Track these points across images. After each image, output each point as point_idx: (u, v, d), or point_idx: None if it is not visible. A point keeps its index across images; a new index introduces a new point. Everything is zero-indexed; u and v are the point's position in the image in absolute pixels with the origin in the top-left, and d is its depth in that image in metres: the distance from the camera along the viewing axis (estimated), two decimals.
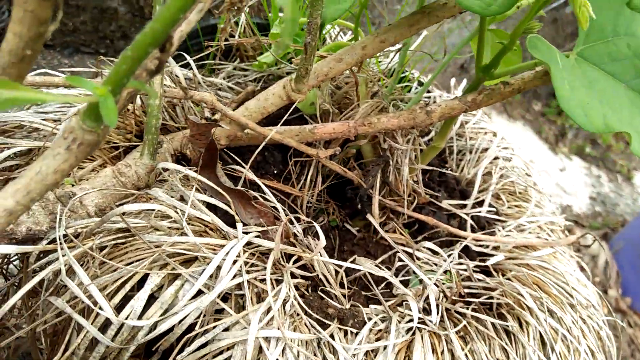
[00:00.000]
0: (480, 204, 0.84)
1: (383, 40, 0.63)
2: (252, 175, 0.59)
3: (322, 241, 0.45)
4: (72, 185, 0.53)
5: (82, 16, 1.51)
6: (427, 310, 0.59)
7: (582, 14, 0.53)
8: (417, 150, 0.73)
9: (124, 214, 0.48)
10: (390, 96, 0.81)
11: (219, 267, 0.44)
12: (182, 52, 0.76)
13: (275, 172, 0.71)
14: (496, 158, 0.92)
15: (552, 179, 2.38)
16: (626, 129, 0.53)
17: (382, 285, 0.64)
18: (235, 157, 0.66)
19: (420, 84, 1.01)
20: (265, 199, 0.60)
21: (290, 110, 0.66)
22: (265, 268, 0.49)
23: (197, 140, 0.54)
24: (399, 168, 0.73)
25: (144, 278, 0.45)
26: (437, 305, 0.59)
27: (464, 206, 0.83)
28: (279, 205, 0.57)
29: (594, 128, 0.52)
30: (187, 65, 0.86)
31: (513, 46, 0.57)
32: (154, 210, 0.47)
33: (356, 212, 0.75)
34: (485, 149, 0.92)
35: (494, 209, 0.82)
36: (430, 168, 0.76)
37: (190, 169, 0.56)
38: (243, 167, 0.61)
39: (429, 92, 0.94)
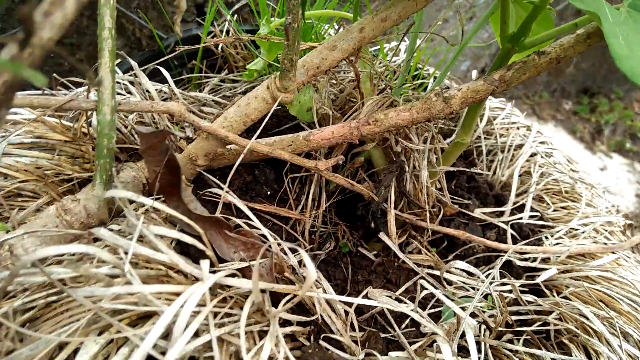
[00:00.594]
0: (520, 209, 0.71)
1: (384, 18, 0.52)
2: (231, 198, 0.48)
3: (312, 273, 0.32)
4: (8, 232, 0.43)
5: (77, 54, 1.45)
6: (466, 350, 0.46)
7: None
8: (438, 150, 0.61)
9: (59, 262, 0.37)
10: (401, 93, 0.69)
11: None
12: (158, 67, 0.66)
13: (268, 193, 0.59)
14: (533, 155, 0.79)
15: (593, 180, 2.20)
16: None
17: (407, 321, 0.51)
18: (216, 180, 0.55)
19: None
20: (252, 227, 0.48)
21: (279, 118, 0.55)
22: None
23: (150, 157, 0.43)
24: (417, 174, 0.60)
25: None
26: (478, 343, 0.46)
27: (501, 214, 0.70)
28: (266, 232, 0.45)
29: None
30: (175, 83, 0.77)
31: (547, 3, 0.45)
32: (93, 254, 0.36)
33: (371, 233, 0.62)
34: (520, 146, 0.79)
35: (537, 214, 0.68)
36: (455, 169, 0.64)
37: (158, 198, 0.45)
38: (222, 188, 0.49)
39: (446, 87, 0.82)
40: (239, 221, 0.48)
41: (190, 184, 0.49)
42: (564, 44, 0.49)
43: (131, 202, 0.48)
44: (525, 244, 0.65)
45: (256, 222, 0.46)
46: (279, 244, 0.45)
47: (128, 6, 1.35)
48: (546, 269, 0.57)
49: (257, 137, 0.61)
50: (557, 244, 0.64)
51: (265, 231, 0.46)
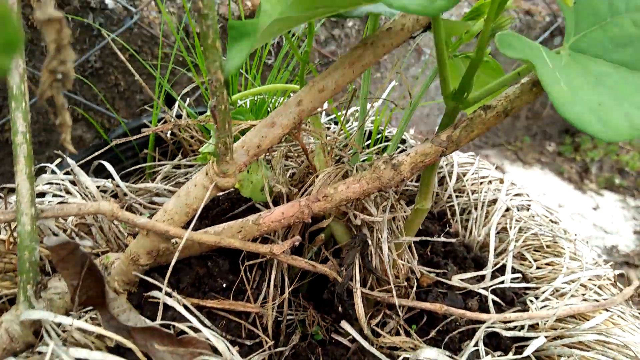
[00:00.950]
0: (501, 270, 0.66)
1: (322, 88, 0.49)
2: (170, 301, 0.43)
3: None
4: None
5: (46, 152, 1.44)
6: None
7: None
8: (400, 219, 0.57)
9: None
10: (365, 159, 0.66)
11: None
12: (103, 162, 0.63)
13: (224, 285, 0.54)
14: (509, 209, 0.75)
15: (588, 221, 2.15)
16: None
17: None
18: (154, 281, 0.50)
19: (403, 141, 0.87)
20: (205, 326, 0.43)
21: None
22: None
23: (66, 270, 0.39)
24: (382, 247, 0.56)
25: None
26: None
27: (482, 278, 0.65)
28: (213, 339, 0.40)
29: (617, 135, 0.36)
30: (127, 175, 0.74)
31: (483, 55, 0.43)
32: None
33: (344, 316, 0.57)
34: (494, 201, 0.75)
35: (519, 275, 0.63)
36: (419, 239, 0.59)
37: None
38: (159, 289, 0.45)
39: (403, 143, 0.79)
40: (182, 326, 0.43)
41: (122, 292, 0.44)
42: (510, 96, 0.46)
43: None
44: (511, 311, 0.60)
45: (196, 324, 0.41)
46: (235, 343, 0.40)
47: (95, 98, 1.36)
48: (535, 338, 0.52)
49: (210, 225, 0.57)
50: (544, 306, 0.59)
51: (210, 336, 0.41)
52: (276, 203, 0.61)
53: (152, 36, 1.25)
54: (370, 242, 0.55)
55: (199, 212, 0.48)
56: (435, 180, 0.70)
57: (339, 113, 0.77)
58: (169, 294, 0.46)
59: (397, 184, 0.48)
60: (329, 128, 0.80)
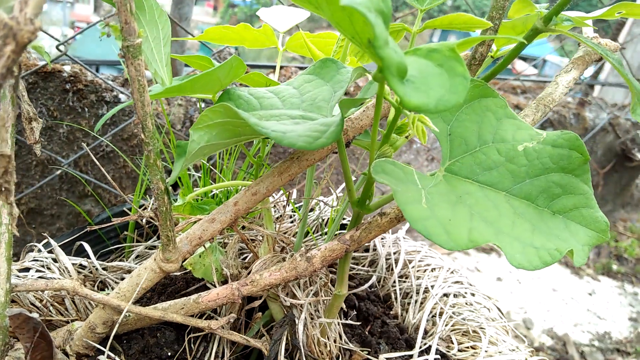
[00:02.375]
0: (429, 351, 0.74)
1: (255, 192, 0.61)
2: None
3: None
4: None
5: (57, 224, 1.57)
6: None
7: (417, 129, 0.50)
8: (323, 302, 0.66)
9: None
10: (299, 247, 0.76)
11: None
12: (83, 243, 0.75)
13: (169, 354, 0.64)
14: (446, 295, 0.83)
15: (582, 306, 2.16)
16: (493, 241, 0.46)
17: None
18: (102, 348, 0.60)
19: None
20: None
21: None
22: None
23: (21, 335, 0.49)
24: (311, 326, 0.65)
25: None
26: None
27: (410, 357, 0.72)
28: None
29: (456, 245, 0.45)
30: (109, 253, 0.85)
31: (372, 178, 0.54)
32: None
33: None
34: (432, 287, 0.83)
35: (439, 357, 0.71)
36: (336, 321, 0.67)
37: None
38: (103, 352, 0.54)
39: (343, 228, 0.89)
40: None
41: (72, 354, 0.54)
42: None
43: None
44: None
45: None
46: None
47: (104, 177, 1.50)
48: None
49: (166, 300, 0.67)
50: None
51: None
52: (225, 283, 0.71)
53: (158, 125, 1.41)
54: (297, 321, 0.64)
55: (145, 289, 0.58)
56: (347, 270, 0.79)
57: (295, 205, 0.88)
58: (112, 359, 0.56)
59: (310, 274, 0.58)
60: (292, 222, 0.90)
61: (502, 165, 0.54)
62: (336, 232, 0.90)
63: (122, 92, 1.40)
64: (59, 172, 1.37)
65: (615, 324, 2.09)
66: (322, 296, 0.66)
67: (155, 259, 0.59)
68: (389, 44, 0.34)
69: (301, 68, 1.97)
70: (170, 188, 0.54)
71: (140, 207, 0.85)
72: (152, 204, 0.53)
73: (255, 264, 0.65)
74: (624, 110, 2.74)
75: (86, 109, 1.38)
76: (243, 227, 0.76)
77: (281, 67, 1.89)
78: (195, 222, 0.66)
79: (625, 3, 0.62)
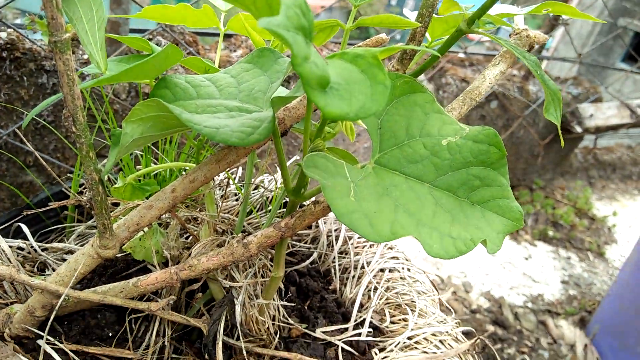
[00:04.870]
0: (363, 324, 0.78)
1: (192, 180, 0.62)
2: (48, 348, 0.54)
3: None
4: None
5: None
6: None
7: (346, 128, 0.53)
8: (261, 284, 0.69)
9: None
10: (240, 230, 0.78)
11: None
12: (20, 224, 0.74)
13: (110, 334, 0.65)
14: (382, 270, 0.88)
15: (518, 270, 2.30)
16: (413, 234, 0.50)
17: None
18: (35, 330, 0.61)
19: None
20: None
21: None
22: None
23: None
24: (250, 305, 0.68)
25: None
26: None
27: (346, 330, 0.77)
28: None
29: (379, 237, 0.48)
30: (49, 232, 0.85)
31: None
32: None
33: None
34: (369, 263, 0.88)
35: (370, 330, 0.76)
36: (273, 302, 0.71)
37: None
38: (41, 337, 0.56)
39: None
40: None
41: (10, 341, 0.55)
42: None
43: None
44: None
45: None
46: None
47: (46, 148, 1.46)
48: None
49: (107, 282, 0.68)
50: (385, 357, 0.71)
51: None
52: (167, 264, 0.73)
53: (101, 94, 1.37)
54: (236, 301, 0.67)
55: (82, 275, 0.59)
56: (284, 254, 0.82)
57: (238, 185, 0.89)
58: (52, 343, 0.57)
59: (247, 259, 0.61)
60: (237, 200, 0.92)
61: (427, 158, 0.57)
62: (278, 211, 0.93)
63: None
64: None
65: (549, 286, 2.23)
66: (260, 277, 0.68)
67: (92, 245, 0.60)
68: (308, 58, 0.36)
69: None
70: (104, 178, 0.54)
71: (80, 185, 0.85)
72: (87, 195, 0.54)
73: (195, 247, 0.67)
74: (565, 83, 2.84)
75: (25, 78, 1.33)
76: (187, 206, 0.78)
77: (231, 36, 1.86)
78: (134, 207, 0.67)
79: (552, 2, 0.66)
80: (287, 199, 0.94)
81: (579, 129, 2.68)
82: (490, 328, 1.82)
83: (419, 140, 0.58)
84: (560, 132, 0.60)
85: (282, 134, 0.66)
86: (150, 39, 1.60)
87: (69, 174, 1.26)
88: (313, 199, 0.61)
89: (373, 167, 0.57)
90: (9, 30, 1.27)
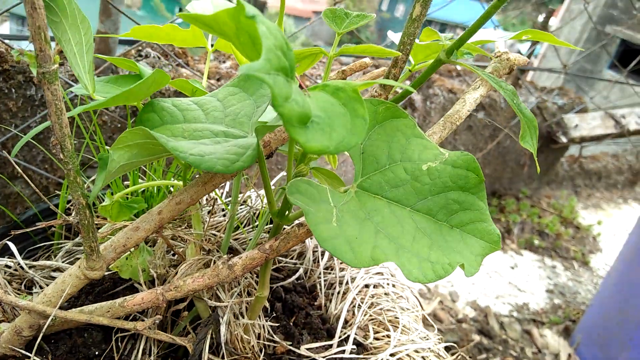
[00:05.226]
0: (347, 340, 0.80)
1: (179, 202, 0.63)
2: None
3: None
4: None
5: None
6: None
7: (328, 156, 0.54)
8: (246, 303, 0.70)
9: None
10: (225, 251, 0.79)
11: None
12: (7, 242, 0.75)
13: (96, 353, 0.66)
14: (367, 286, 0.89)
15: (504, 279, 2.33)
16: (393, 260, 0.51)
17: None
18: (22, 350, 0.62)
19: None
20: None
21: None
22: None
23: None
24: (234, 324, 0.69)
25: None
26: None
27: (330, 347, 0.78)
28: None
29: (360, 263, 0.50)
30: (37, 249, 0.85)
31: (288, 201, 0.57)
32: None
33: None
34: (354, 279, 0.89)
35: (355, 347, 0.77)
36: (260, 323, 0.72)
37: None
38: (29, 357, 0.56)
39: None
40: None
41: None
42: None
43: None
44: None
45: None
46: None
47: (34, 159, 1.47)
48: None
49: (94, 300, 0.69)
50: None
51: None
52: (154, 282, 0.74)
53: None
54: (221, 320, 0.68)
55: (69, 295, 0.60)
56: (269, 274, 0.84)
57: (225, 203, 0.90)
58: None
59: (231, 280, 0.62)
60: (224, 215, 0.93)
61: (408, 182, 0.59)
62: (265, 227, 0.94)
63: None
64: None
65: (534, 295, 2.26)
66: (245, 297, 0.70)
67: (79, 267, 0.61)
68: (289, 98, 0.37)
69: None
70: (90, 203, 0.55)
71: (67, 202, 0.85)
72: (74, 218, 0.55)
73: (181, 266, 0.68)
74: (551, 94, 2.89)
75: (13, 90, 1.33)
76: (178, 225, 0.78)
77: None
78: (120, 228, 0.68)
79: (530, 30, 0.68)
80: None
81: (564, 139, 2.72)
82: (476, 337, 1.84)
83: (400, 165, 0.59)
84: (536, 158, 0.62)
85: (268, 157, 0.68)
86: (139, 50, 1.61)
87: (56, 190, 1.26)
88: (297, 221, 0.63)
89: (355, 191, 0.58)
90: None
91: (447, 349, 0.84)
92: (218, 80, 1.76)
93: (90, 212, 0.56)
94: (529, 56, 3.08)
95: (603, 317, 1.76)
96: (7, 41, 1.25)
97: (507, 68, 0.76)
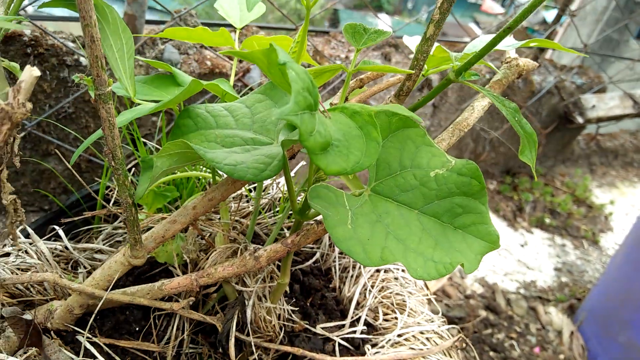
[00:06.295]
0: (359, 321, 0.88)
1: (211, 198, 0.70)
2: (87, 343, 0.64)
3: None
4: None
5: (22, 180, 1.62)
6: None
7: (345, 177, 0.61)
8: (269, 287, 0.78)
9: None
10: (250, 239, 0.87)
11: None
12: (55, 227, 0.84)
13: (137, 329, 0.75)
14: (378, 271, 0.97)
15: (514, 256, 2.39)
16: (401, 260, 0.58)
17: None
18: (75, 328, 0.71)
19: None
20: None
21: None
22: None
23: (16, 328, 0.59)
24: (259, 306, 0.77)
25: None
26: None
27: (343, 327, 0.86)
28: None
29: (371, 262, 0.57)
30: (81, 232, 0.94)
31: (304, 207, 0.65)
32: None
33: (224, 355, 0.78)
34: None
35: (364, 327, 0.85)
36: (281, 307, 0.80)
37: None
38: (82, 334, 0.65)
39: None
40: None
41: (56, 338, 0.65)
42: None
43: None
44: (352, 356, 0.81)
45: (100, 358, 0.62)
46: None
47: (67, 137, 1.55)
48: None
49: (134, 282, 0.77)
50: (377, 352, 0.81)
51: None
52: (186, 265, 0.82)
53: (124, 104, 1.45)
54: (247, 302, 0.77)
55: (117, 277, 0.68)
56: (290, 264, 0.91)
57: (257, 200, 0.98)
58: (89, 337, 0.67)
59: (257, 270, 0.70)
60: (248, 201, 1.01)
61: (417, 187, 0.65)
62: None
63: (82, 56, 1.43)
64: (22, 134, 1.41)
65: (542, 273, 2.33)
66: (268, 282, 0.78)
67: (124, 254, 0.69)
68: (313, 131, 0.44)
69: (260, 27, 2.00)
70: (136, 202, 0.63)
71: (106, 188, 0.93)
72: (122, 215, 0.62)
73: (211, 253, 0.76)
74: (570, 72, 2.88)
75: (47, 72, 1.40)
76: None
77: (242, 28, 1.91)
78: (159, 220, 0.76)
79: (537, 39, 0.72)
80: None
81: (580, 120, 2.73)
82: (483, 313, 1.93)
83: (410, 171, 0.66)
84: (534, 171, 0.67)
85: (291, 158, 0.74)
86: None
87: (87, 166, 1.34)
88: (316, 218, 0.69)
89: (369, 195, 0.65)
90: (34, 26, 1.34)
91: (452, 322, 0.91)
92: (240, 62, 1.81)
93: (135, 210, 0.63)
94: (553, 23, 3.05)
95: (607, 296, 1.83)
96: (47, 22, 1.32)
97: (516, 74, 0.81)
